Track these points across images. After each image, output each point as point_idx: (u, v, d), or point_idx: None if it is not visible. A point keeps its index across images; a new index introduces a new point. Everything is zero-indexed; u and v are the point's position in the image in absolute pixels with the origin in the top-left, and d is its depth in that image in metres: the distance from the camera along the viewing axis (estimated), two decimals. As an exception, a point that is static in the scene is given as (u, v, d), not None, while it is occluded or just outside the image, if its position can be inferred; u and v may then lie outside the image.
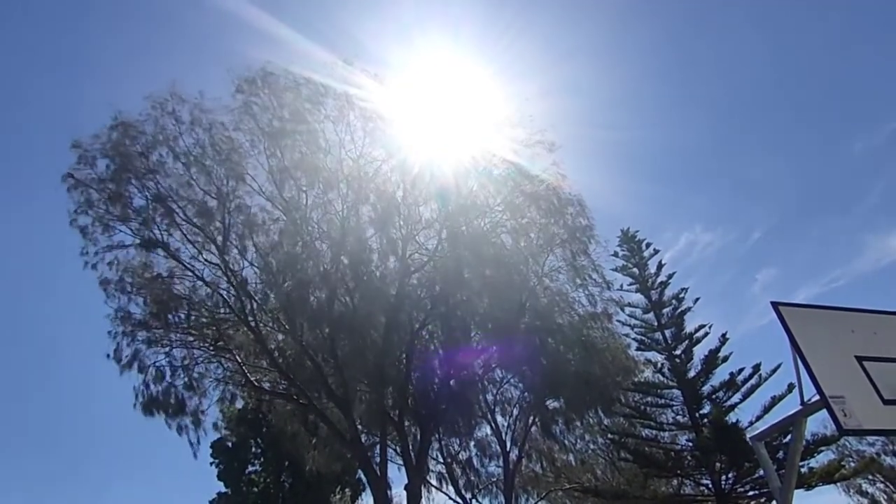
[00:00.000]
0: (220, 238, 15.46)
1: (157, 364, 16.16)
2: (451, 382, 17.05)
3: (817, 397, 5.58)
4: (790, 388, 18.27)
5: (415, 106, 16.00)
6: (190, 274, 16.29)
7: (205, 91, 15.76)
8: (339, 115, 15.45)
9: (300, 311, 15.40)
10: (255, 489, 32.73)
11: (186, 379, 16.43)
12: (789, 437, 7.14)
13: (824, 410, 5.56)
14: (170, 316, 16.44)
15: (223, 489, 32.76)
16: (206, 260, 15.88)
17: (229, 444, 32.21)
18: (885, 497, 33.75)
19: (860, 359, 5.88)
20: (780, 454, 16.92)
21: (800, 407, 6.14)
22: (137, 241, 15.49)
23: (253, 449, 33.45)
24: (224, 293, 16.15)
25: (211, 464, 31.82)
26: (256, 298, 15.96)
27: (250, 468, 33.60)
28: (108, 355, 15.63)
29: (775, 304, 6.31)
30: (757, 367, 20.39)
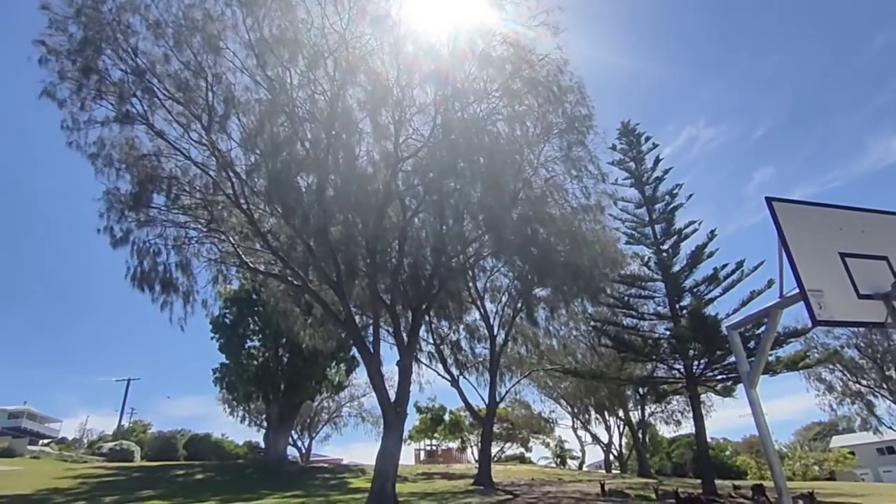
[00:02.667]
0: (204, 117, 14.84)
1: (148, 241, 16.20)
2: (442, 269, 17.33)
3: (795, 291, 5.73)
4: (769, 283, 18.93)
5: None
6: (178, 154, 15.88)
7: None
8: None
9: (290, 194, 15.20)
10: (255, 362, 34.66)
11: (179, 258, 16.59)
12: (763, 328, 7.42)
13: (799, 305, 5.75)
14: (160, 195, 16.27)
15: (224, 360, 34.69)
16: (192, 139, 15.36)
17: (227, 320, 33.52)
18: (841, 384, 36.53)
19: (843, 255, 5.97)
20: (752, 344, 17.91)
21: (778, 299, 6.34)
22: (119, 117, 14.80)
23: (251, 326, 34.95)
24: (214, 174, 15.85)
25: (212, 338, 33.40)
26: (246, 181, 15.66)
27: (249, 343, 35.37)
28: (99, 230, 15.60)
29: (769, 199, 6.28)
30: (740, 264, 20.95)
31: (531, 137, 16.54)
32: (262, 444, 40.04)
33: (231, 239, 17.21)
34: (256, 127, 14.48)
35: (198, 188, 16.54)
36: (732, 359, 19.91)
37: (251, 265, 17.77)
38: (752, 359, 7.05)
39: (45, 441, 51.75)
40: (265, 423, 37.85)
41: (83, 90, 14.42)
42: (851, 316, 5.71)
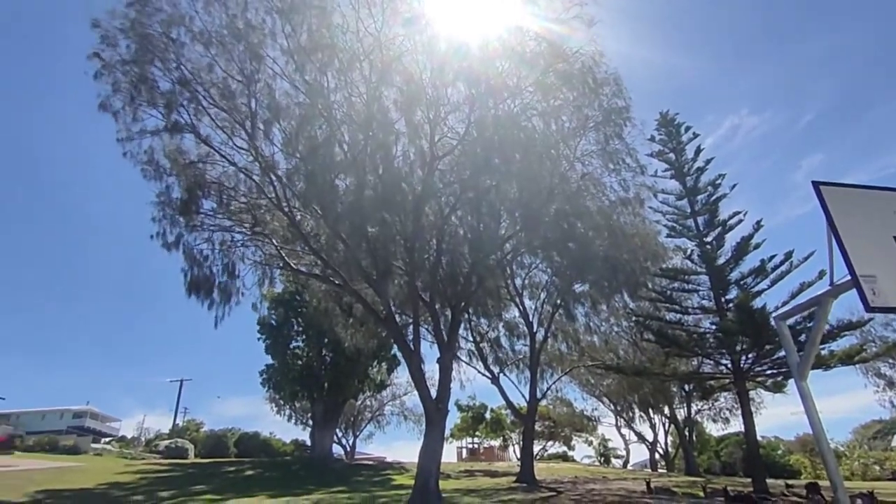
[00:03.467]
0: (248, 123, 15.37)
1: (198, 247, 16.90)
2: (480, 266, 17.39)
3: (847, 278, 5.57)
4: (821, 274, 18.19)
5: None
6: (223, 160, 16.52)
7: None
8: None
9: (328, 196, 15.56)
10: (300, 362, 35.58)
11: (226, 261, 17.22)
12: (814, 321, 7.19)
13: (852, 295, 5.57)
14: (206, 201, 16.93)
15: (270, 361, 35.72)
16: (236, 146, 15.94)
17: (273, 321, 34.51)
18: (903, 379, 34.68)
19: (897, 239, 5.76)
20: (803, 337, 17.26)
21: (828, 287, 6.17)
22: (169, 126, 15.49)
23: (295, 327, 35.88)
24: (257, 179, 16.39)
25: (258, 339, 34.48)
26: (287, 184, 16.13)
27: (294, 344, 36.31)
28: (152, 236, 16.38)
29: (816, 184, 6.12)
30: (789, 255, 20.23)
31: (567, 132, 16.42)
32: (308, 442, 41.03)
33: (274, 241, 17.75)
34: (296, 131, 14.90)
35: (242, 192, 17.14)
36: (782, 353, 19.22)
37: (294, 266, 18.28)
38: (803, 352, 6.87)
39: (107, 439, 54.43)
40: (310, 422, 38.74)
41: (135, 101, 15.15)
42: (908, 302, 5.52)
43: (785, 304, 19.42)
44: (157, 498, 18.50)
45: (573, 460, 52.83)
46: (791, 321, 18.57)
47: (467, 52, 14.75)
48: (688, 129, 24.58)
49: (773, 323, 18.28)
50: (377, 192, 15.21)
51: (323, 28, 14.48)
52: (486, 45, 14.58)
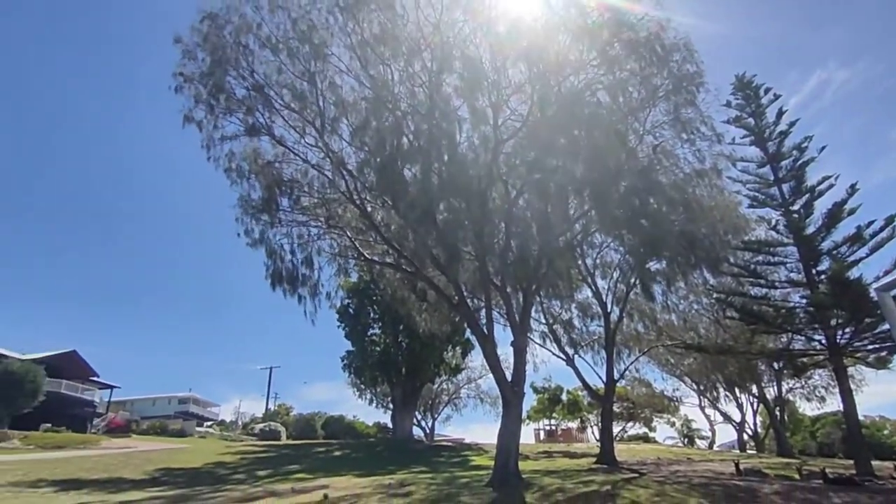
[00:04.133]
0: (317, 121, 16.03)
1: (278, 242, 17.90)
2: (549, 249, 17.25)
3: None
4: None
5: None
6: (296, 158, 17.35)
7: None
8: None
9: (397, 185, 15.94)
10: (377, 348, 36.91)
11: (304, 255, 18.12)
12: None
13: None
14: (284, 199, 17.84)
15: (350, 348, 37.30)
16: (307, 144, 16.69)
17: (350, 310, 35.95)
18: None
19: None
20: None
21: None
22: (247, 130, 16.45)
23: (371, 315, 37.21)
24: (329, 174, 17.09)
25: (338, 326, 36.07)
26: (357, 176, 16.69)
27: (371, 331, 37.69)
28: (238, 234, 17.54)
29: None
30: (890, 219, 18.69)
31: (634, 104, 15.87)
32: (390, 425, 42.58)
33: (347, 233, 18.47)
34: (363, 124, 15.34)
35: (315, 188, 17.93)
36: (886, 326, 17.78)
37: (367, 256, 18.96)
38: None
39: (208, 423, 59.09)
40: (391, 405, 40.18)
41: (215, 110, 16.20)
42: None
43: (887, 273, 17.91)
44: (256, 476, 20.00)
45: (655, 441, 51.53)
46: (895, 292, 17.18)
47: (526, 31, 14.56)
48: (767, 90, 22.99)
49: (873, 294, 16.91)
50: (443, 179, 15.40)
51: (385, 21, 14.78)
52: (546, 21, 14.34)
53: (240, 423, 63.05)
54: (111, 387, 48.57)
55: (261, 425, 46.71)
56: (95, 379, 45.96)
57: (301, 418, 50.95)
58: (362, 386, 41.47)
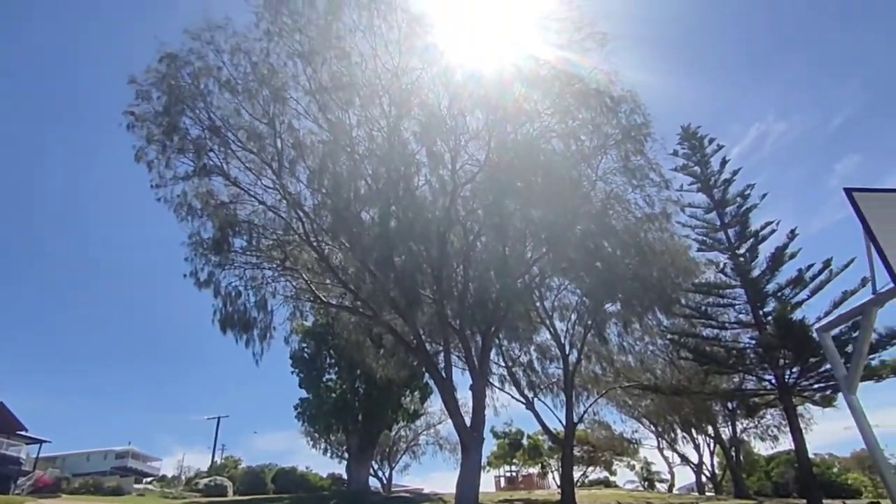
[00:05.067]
0: (275, 163, 15.85)
1: (231, 284, 17.29)
2: (508, 291, 17.32)
3: (891, 285, 5.40)
4: (864, 282, 17.54)
5: (450, 8, 15.05)
6: (251, 199, 16.99)
7: (229, 15, 15.65)
8: (368, 24, 14.88)
9: (354, 228, 15.80)
10: (333, 395, 35.57)
11: (258, 297, 17.54)
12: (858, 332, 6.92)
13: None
14: (237, 240, 17.35)
15: (304, 395, 35.86)
16: (264, 185, 16.43)
17: (305, 354, 34.76)
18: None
19: (937, 242, 5.59)
20: (850, 349, 16.56)
21: (871, 296, 5.99)
22: (198, 170, 16.06)
23: (327, 360, 36.04)
24: (285, 216, 16.79)
25: (292, 373, 34.73)
26: (314, 219, 16.46)
27: (326, 376, 36.42)
28: (185, 275, 16.84)
29: (848, 190, 6.02)
30: (827, 263, 19.61)
31: (587, 151, 16.40)
32: (345, 476, 40.73)
33: (304, 276, 18.04)
34: (320, 167, 15.27)
35: (271, 230, 17.54)
36: (829, 365, 18.47)
37: (323, 299, 18.52)
38: (850, 364, 6.63)
39: (148, 479, 55.05)
40: (346, 455, 38.53)
41: (167, 150, 15.82)
42: (955, 306, 5.32)
43: (827, 314, 18.70)
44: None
45: (616, 486, 51.10)
46: (835, 332, 17.95)
47: (483, 81, 15.01)
48: (711, 140, 24.32)
49: (815, 335, 17.63)
50: (402, 223, 15.39)
51: (343, 67, 14.94)
52: (501, 72, 14.83)
53: (183, 478, 59.00)
54: (40, 441, 44.79)
55: (205, 480, 43.79)
56: (23, 433, 42.39)
57: (250, 471, 48.12)
58: (316, 435, 39.70)
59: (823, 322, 7.55)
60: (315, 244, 16.54)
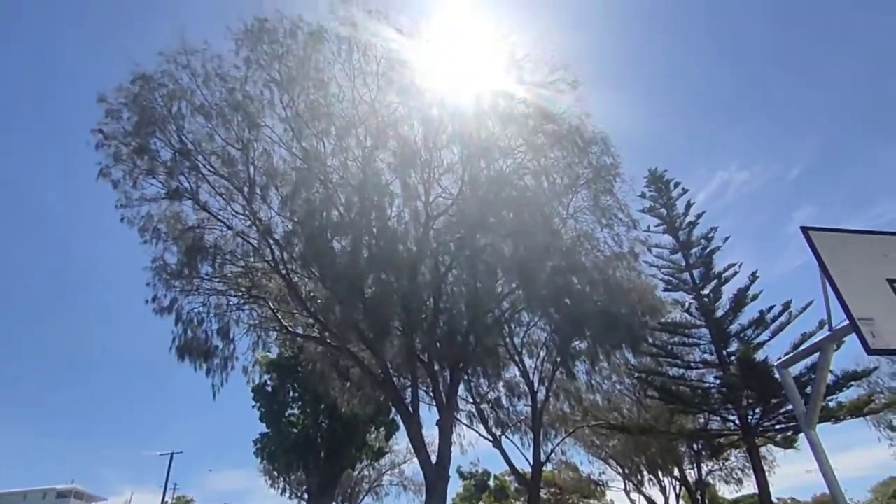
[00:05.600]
0: (245, 189, 15.69)
1: (192, 310, 16.78)
2: (478, 325, 17.26)
3: (846, 323, 5.56)
4: (821, 324, 18.11)
5: (428, 46, 15.49)
6: (220, 224, 16.71)
7: (207, 40, 15.72)
8: (347, 57, 15.19)
9: (326, 257, 15.65)
10: (295, 430, 34.45)
11: (221, 325, 17.05)
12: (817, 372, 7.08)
13: (853, 340, 5.54)
14: (203, 265, 16.96)
15: (265, 430, 34.61)
16: (234, 211, 16.20)
17: (268, 387, 33.74)
18: (917, 432, 33.65)
19: (892, 281, 5.79)
20: (808, 389, 16.95)
21: (827, 333, 6.14)
22: (167, 192, 15.79)
23: (290, 393, 35.03)
24: (254, 242, 16.53)
25: (253, 407, 33.56)
26: (284, 247, 16.26)
27: (289, 411, 35.31)
28: (147, 301, 16.30)
29: (805, 230, 6.22)
30: (787, 305, 20.22)
31: (559, 189, 16.78)
32: (303, 518, 39.01)
33: (270, 304, 17.66)
34: (293, 194, 15.17)
35: (239, 256, 17.22)
36: (791, 406, 18.82)
37: (290, 329, 18.11)
38: (809, 402, 6.75)
39: (91, 520, 51.77)
40: (306, 495, 37.04)
41: (135, 171, 15.52)
42: (909, 344, 5.48)
43: (788, 354, 19.16)
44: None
45: (582, 529, 50.21)
46: (796, 372, 18.39)
47: (458, 116, 15.34)
48: (677, 184, 25.16)
49: (776, 373, 18.04)
50: (373, 253, 15.31)
51: (320, 97, 15.09)
52: (477, 108, 15.20)
53: (131, 519, 55.72)
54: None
55: (156, 521, 41.39)
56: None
57: (204, 512, 45.76)
58: (275, 473, 38.14)
59: (783, 359, 7.72)
60: (284, 272, 16.27)
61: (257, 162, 15.58)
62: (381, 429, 36.70)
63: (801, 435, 20.93)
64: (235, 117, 15.42)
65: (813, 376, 16.83)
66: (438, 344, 17.81)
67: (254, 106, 15.66)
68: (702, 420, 26.28)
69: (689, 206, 24.41)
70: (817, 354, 6.61)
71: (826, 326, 6.05)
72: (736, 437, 22.05)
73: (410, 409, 15.76)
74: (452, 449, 17.12)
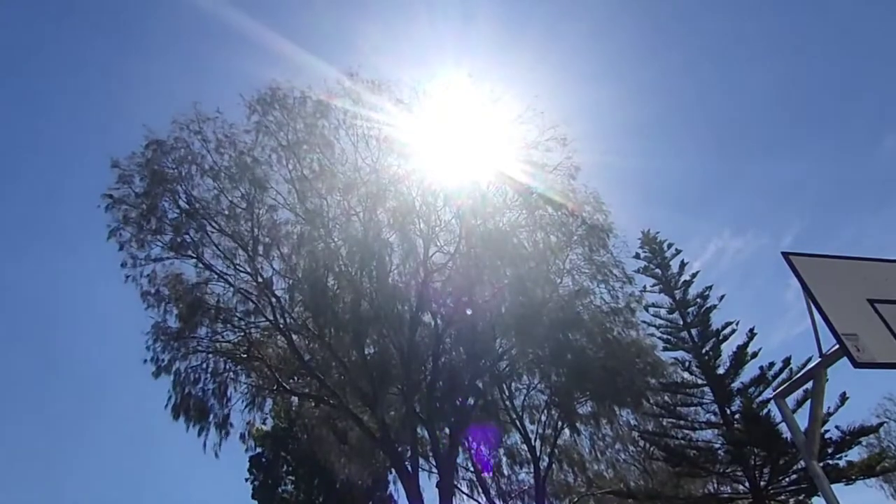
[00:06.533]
0: (249, 247, 16.11)
1: (188, 370, 16.68)
2: (478, 383, 17.21)
3: (835, 347, 5.78)
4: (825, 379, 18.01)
5: (426, 111, 16.56)
6: (221, 284, 16.96)
7: (220, 109, 16.74)
8: (351, 123, 16.22)
9: (326, 315, 15.83)
10: (289, 508, 32.83)
11: (215, 385, 16.88)
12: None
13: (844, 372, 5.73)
14: (202, 326, 17.03)
15: (257, 508, 32.94)
16: (237, 267, 16.52)
17: (264, 459, 32.51)
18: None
19: (872, 301, 6.08)
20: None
21: (818, 359, 6.35)
22: (171, 253, 16.19)
23: (285, 467, 33.67)
24: (255, 300, 16.73)
25: (246, 479, 32.13)
26: (284, 303, 16.48)
27: (283, 487, 33.77)
28: (145, 361, 16.27)
29: (786, 255, 6.57)
30: (787, 361, 20.23)
31: (554, 246, 17.25)
32: None
33: (268, 363, 17.57)
34: (296, 248, 15.61)
35: (239, 316, 17.30)
36: (801, 464, 18.33)
37: (287, 388, 17.92)
38: (808, 431, 6.82)
39: None
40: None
41: (143, 231, 16.00)
42: (894, 357, 5.69)
43: (794, 411, 18.94)
44: None
45: None
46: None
47: (455, 175, 16.11)
48: (670, 245, 25.67)
49: (785, 435, 17.74)
50: (374, 307, 15.53)
51: (326, 158, 15.91)
52: (472, 167, 15.98)
53: None
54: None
55: None
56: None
57: None
58: (267, 557, 35.87)
59: (779, 389, 7.85)
60: (283, 327, 16.38)
61: (262, 219, 16.11)
62: (378, 505, 35.04)
63: (814, 500, 20.23)
64: (243, 179, 16.12)
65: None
66: (438, 403, 17.61)
67: (261, 169, 16.42)
68: (711, 488, 25.38)
69: (683, 265, 24.84)
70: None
71: (829, 384, 6.23)
72: (746, 502, 21.23)
73: (409, 468, 15.36)
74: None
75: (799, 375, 7.61)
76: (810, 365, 7.31)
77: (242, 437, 19.16)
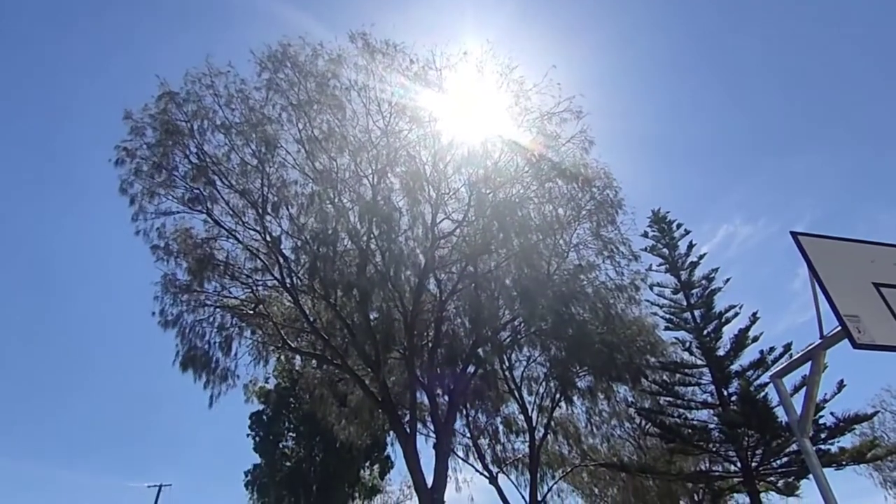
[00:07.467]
0: (259, 204, 16.17)
1: (195, 323, 16.93)
2: (479, 350, 17.39)
3: (837, 329, 5.79)
4: (824, 367, 18.08)
5: (439, 77, 16.27)
6: (230, 240, 17.11)
7: (232, 62, 16.54)
8: (364, 84, 15.99)
9: (333, 276, 15.97)
10: (288, 463, 33.82)
11: (221, 339, 17.16)
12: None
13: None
14: (211, 281, 17.25)
15: (258, 460, 33.97)
16: (246, 225, 16.62)
17: (265, 417, 33.35)
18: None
19: (877, 285, 6.07)
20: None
21: (819, 340, 6.36)
22: (182, 207, 16.29)
23: (286, 424, 34.57)
24: (264, 258, 16.88)
25: (248, 435, 33.06)
26: (291, 265, 16.61)
27: (283, 442, 34.74)
28: (153, 313, 16.52)
29: (794, 234, 6.53)
30: (788, 347, 20.27)
31: (562, 219, 17.19)
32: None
33: (273, 320, 17.84)
34: (305, 209, 15.65)
35: (247, 273, 17.51)
36: (792, 447, 18.58)
37: (292, 345, 18.22)
38: (802, 409, 6.89)
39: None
40: (295, 531, 35.90)
41: (153, 184, 16.06)
42: (894, 340, 5.70)
43: (791, 395, 19.08)
44: None
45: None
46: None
47: (466, 143, 15.98)
48: (679, 225, 25.54)
49: (781, 418, 17.91)
50: (380, 272, 15.65)
51: (336, 119, 15.79)
52: (485, 134, 15.82)
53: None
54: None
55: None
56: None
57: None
58: (266, 507, 37.13)
59: (777, 369, 7.88)
60: (290, 286, 16.56)
61: (272, 178, 16.12)
62: (376, 466, 36.00)
63: (804, 482, 20.53)
64: (253, 136, 16.06)
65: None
66: (438, 370, 17.87)
67: (272, 127, 16.34)
68: (703, 465, 25.81)
69: (691, 246, 24.75)
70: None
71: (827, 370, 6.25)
72: (737, 481, 21.59)
73: (408, 429, 15.70)
74: (448, 484, 16.94)
75: (798, 355, 7.64)
76: (811, 345, 7.33)
77: (246, 387, 19.66)
